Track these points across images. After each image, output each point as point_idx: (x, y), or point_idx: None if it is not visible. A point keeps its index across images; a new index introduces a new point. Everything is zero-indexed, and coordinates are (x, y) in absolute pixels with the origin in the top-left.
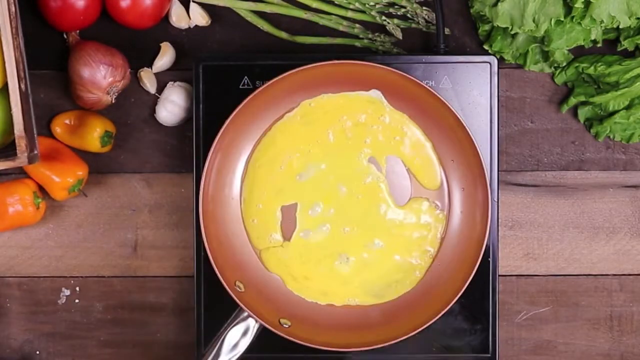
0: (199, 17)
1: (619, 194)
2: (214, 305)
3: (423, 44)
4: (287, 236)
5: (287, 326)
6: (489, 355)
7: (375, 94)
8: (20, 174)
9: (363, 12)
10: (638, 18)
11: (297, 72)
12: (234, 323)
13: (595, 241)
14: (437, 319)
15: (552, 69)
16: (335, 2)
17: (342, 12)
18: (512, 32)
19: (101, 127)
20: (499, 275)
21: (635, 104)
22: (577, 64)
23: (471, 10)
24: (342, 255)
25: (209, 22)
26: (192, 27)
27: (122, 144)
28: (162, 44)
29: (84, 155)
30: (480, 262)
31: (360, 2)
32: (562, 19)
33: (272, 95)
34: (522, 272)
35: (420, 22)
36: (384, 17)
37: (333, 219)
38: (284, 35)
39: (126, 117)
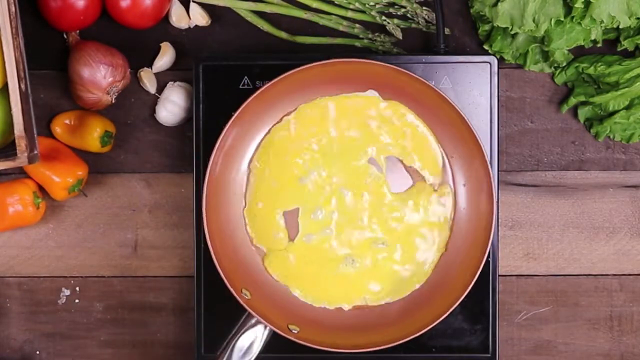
0: (199, 17)
1: (619, 194)
2: (214, 305)
3: (423, 44)
4: (290, 240)
5: (295, 332)
6: (489, 355)
7: (372, 94)
8: (20, 174)
9: (363, 12)
10: (638, 18)
11: (295, 72)
12: (243, 330)
13: (595, 241)
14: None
15: (552, 69)
16: (335, 2)
17: (342, 12)
18: (512, 32)
19: (101, 127)
20: (499, 275)
21: (635, 104)
22: (577, 64)
23: (471, 10)
24: (347, 258)
25: (209, 22)
26: (192, 27)
27: (122, 144)
28: (162, 44)
29: (84, 155)
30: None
31: (360, 2)
32: (562, 19)
33: (269, 98)
34: (522, 272)
35: (420, 22)
36: (384, 17)
37: (336, 222)
38: (284, 35)
39: (126, 117)
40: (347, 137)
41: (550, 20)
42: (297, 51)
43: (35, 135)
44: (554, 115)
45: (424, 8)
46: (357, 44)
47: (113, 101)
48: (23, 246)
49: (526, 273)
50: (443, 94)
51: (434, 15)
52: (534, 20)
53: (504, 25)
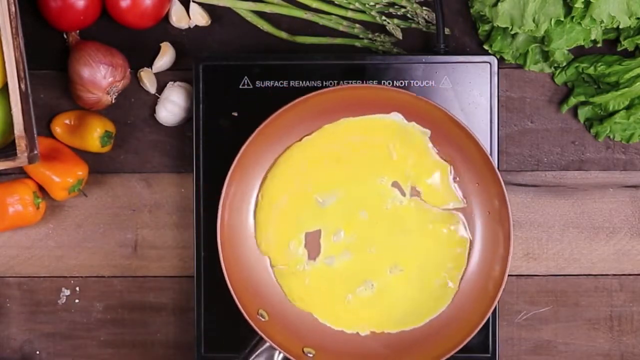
0: (199, 17)
1: (619, 194)
2: (214, 305)
3: (423, 44)
4: (308, 261)
5: (311, 355)
6: (489, 355)
7: (397, 117)
8: (20, 174)
9: (363, 12)
10: (638, 18)
11: (318, 94)
12: (256, 353)
13: (595, 241)
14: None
15: (552, 69)
16: (335, 2)
17: (342, 12)
18: (512, 32)
19: (101, 127)
20: None
21: (635, 104)
22: (577, 64)
23: (471, 10)
24: (366, 281)
25: (209, 22)
26: (192, 27)
27: (122, 144)
28: (162, 44)
29: (84, 155)
30: None
31: (360, 2)
32: (562, 19)
33: (290, 119)
34: (522, 272)
35: (420, 22)
36: (384, 17)
37: (356, 245)
38: (284, 35)
39: (126, 117)
40: (368, 158)
41: (550, 20)
42: (297, 51)
43: (35, 135)
44: (554, 115)
45: (424, 8)
46: (357, 44)
47: (113, 101)
48: (23, 246)
49: (526, 273)
50: (462, 123)
51: (434, 15)
52: (534, 20)
53: (504, 25)
